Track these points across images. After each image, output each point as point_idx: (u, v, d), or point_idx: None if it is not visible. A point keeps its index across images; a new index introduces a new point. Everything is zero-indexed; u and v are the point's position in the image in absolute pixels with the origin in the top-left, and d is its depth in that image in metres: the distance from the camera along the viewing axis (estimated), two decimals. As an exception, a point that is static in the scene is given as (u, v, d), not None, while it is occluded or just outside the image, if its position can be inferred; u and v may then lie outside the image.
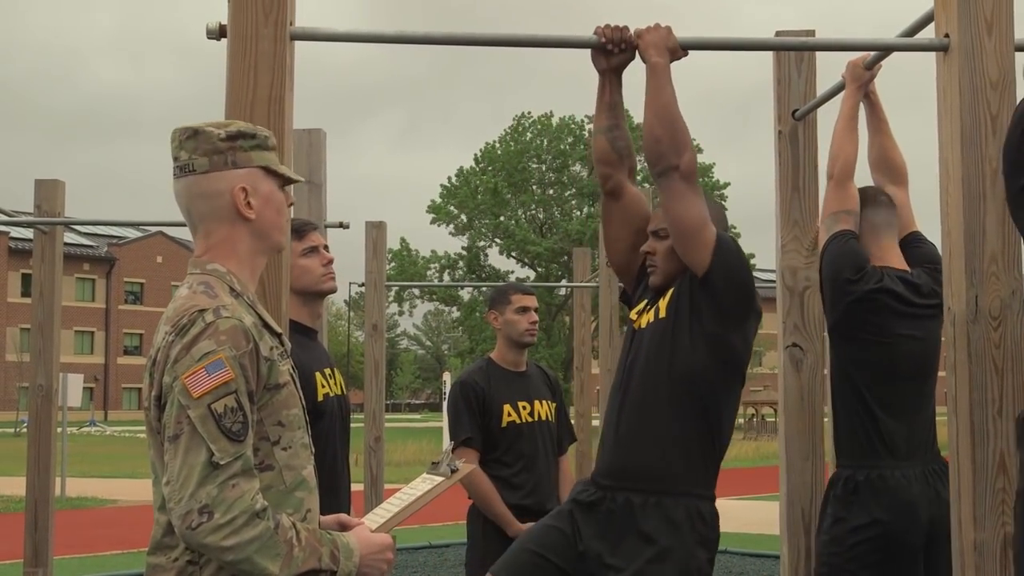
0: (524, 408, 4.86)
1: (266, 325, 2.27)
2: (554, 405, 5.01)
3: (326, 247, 3.91)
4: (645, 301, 3.48)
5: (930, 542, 3.61)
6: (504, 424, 4.80)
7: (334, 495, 3.69)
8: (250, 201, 2.28)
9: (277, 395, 2.21)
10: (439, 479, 2.58)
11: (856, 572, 3.62)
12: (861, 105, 3.97)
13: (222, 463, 2.05)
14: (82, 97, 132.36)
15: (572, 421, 5.98)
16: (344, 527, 2.38)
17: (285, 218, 2.38)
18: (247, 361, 2.13)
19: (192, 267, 2.30)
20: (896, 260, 3.83)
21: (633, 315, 3.49)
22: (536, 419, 4.88)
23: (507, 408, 4.81)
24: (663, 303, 3.35)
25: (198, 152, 2.26)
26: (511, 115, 48.21)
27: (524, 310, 4.90)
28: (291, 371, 2.30)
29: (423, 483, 2.59)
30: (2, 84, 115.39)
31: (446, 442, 3.28)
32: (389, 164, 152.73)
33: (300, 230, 3.87)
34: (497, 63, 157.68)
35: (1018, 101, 2.84)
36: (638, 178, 3.62)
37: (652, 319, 3.36)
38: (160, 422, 2.14)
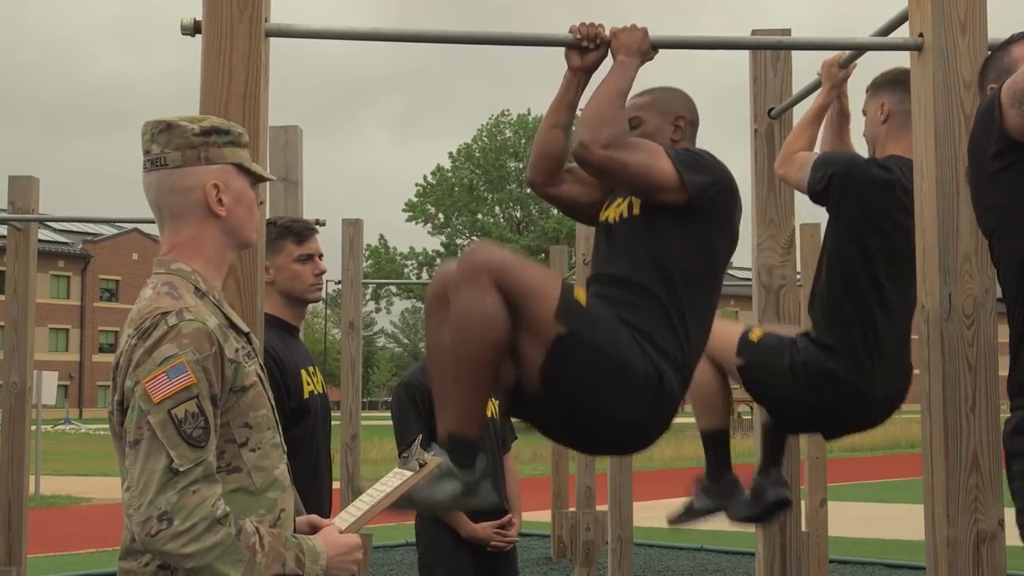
0: None
1: (232, 325, 2.24)
2: (497, 403, 5.00)
3: (320, 255, 3.91)
4: (612, 199, 3.33)
5: None
6: None
7: (316, 492, 3.70)
8: (221, 198, 2.25)
9: (243, 397, 2.18)
10: (408, 473, 2.58)
11: None
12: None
13: (182, 469, 2.03)
14: (77, 89, 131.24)
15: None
16: (315, 528, 2.36)
17: (256, 216, 2.35)
18: (210, 365, 2.10)
19: (157, 267, 2.27)
20: (910, 151, 3.73)
21: (602, 214, 3.34)
22: None
23: None
24: (637, 200, 3.21)
25: (171, 146, 2.24)
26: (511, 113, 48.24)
27: None
28: (258, 371, 2.26)
29: (394, 478, 2.59)
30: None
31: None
32: (378, 160, 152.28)
33: (301, 234, 3.87)
34: (499, 59, 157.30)
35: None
36: None
37: (626, 215, 3.22)
38: (123, 427, 2.11)
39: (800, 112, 4.12)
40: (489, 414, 4.89)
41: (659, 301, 3.11)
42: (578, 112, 3.33)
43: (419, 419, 4.71)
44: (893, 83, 3.75)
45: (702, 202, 3.13)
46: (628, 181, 3.16)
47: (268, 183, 2.53)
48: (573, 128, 3.41)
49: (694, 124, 3.43)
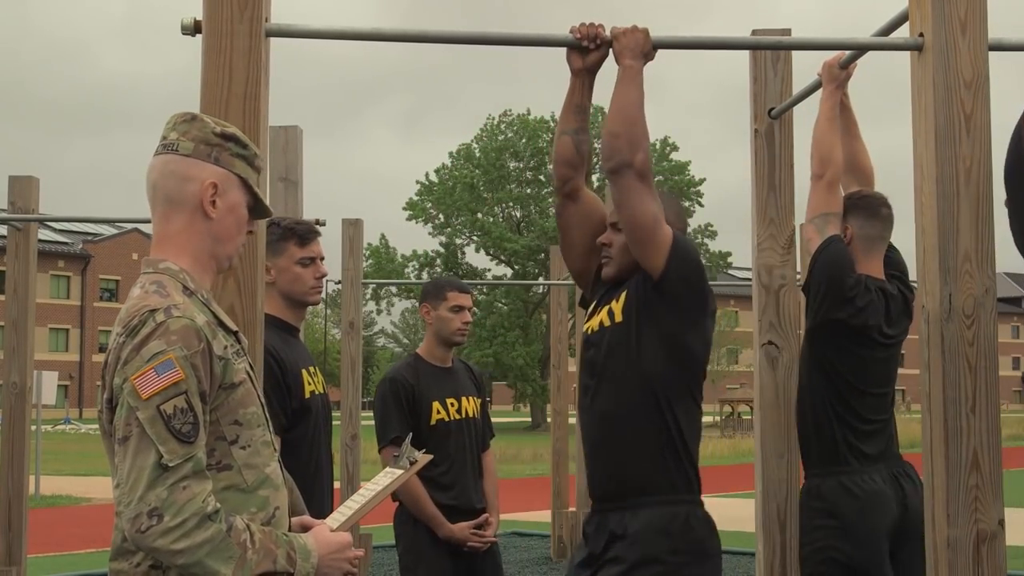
0: (452, 405, 4.82)
1: (221, 323, 2.24)
2: (479, 401, 4.99)
3: (322, 258, 3.92)
4: (595, 303, 3.45)
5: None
6: (433, 422, 4.75)
7: (318, 492, 3.70)
8: (215, 200, 2.26)
9: (233, 394, 2.18)
10: (399, 472, 2.60)
11: None
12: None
13: (171, 465, 2.02)
14: (81, 89, 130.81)
15: (549, 419, 5.98)
16: (306, 528, 2.37)
17: (242, 236, 2.35)
18: (199, 361, 2.10)
19: (145, 267, 2.27)
20: (877, 272, 3.87)
21: (586, 321, 3.46)
22: (463, 416, 4.85)
23: (436, 405, 4.77)
24: (617, 306, 3.30)
25: (188, 136, 2.26)
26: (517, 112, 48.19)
27: (459, 309, 4.86)
28: (248, 370, 2.26)
29: (384, 477, 2.60)
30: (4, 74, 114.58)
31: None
32: (383, 159, 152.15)
33: (304, 236, 3.86)
34: (505, 58, 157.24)
35: (991, 100, 2.86)
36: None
37: (608, 323, 3.31)
38: (112, 424, 2.11)
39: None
40: (471, 413, 4.90)
41: (652, 429, 3.22)
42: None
43: (401, 415, 4.70)
44: (855, 207, 3.87)
45: (670, 283, 3.20)
46: (634, 217, 3.20)
47: (273, 216, 2.53)
48: (577, 132, 3.41)
49: (682, 232, 3.52)
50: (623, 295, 3.31)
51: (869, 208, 3.87)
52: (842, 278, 3.73)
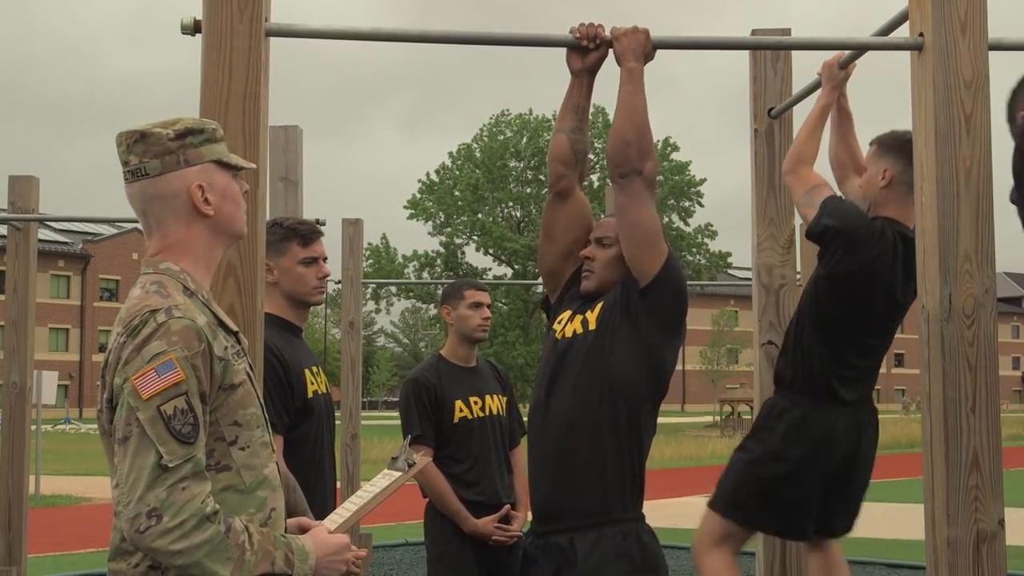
0: (476, 404, 4.88)
1: (221, 324, 2.24)
2: (504, 399, 5.04)
3: (324, 258, 3.92)
4: (569, 312, 3.40)
5: None
6: (456, 420, 4.81)
7: (320, 491, 3.70)
8: (207, 197, 2.25)
9: (232, 395, 2.18)
10: (397, 474, 2.59)
11: None
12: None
13: (171, 465, 2.02)
14: (86, 87, 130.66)
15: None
16: (304, 530, 2.37)
17: (243, 208, 2.34)
18: (199, 362, 2.10)
19: (145, 267, 2.27)
20: (908, 218, 3.81)
21: (556, 326, 3.42)
22: (487, 414, 4.91)
23: (459, 404, 4.83)
24: (592, 315, 3.28)
25: (148, 155, 2.23)
26: (522, 111, 48.11)
27: (477, 306, 4.93)
28: (248, 370, 2.26)
29: (383, 479, 2.59)
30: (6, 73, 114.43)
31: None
32: (388, 159, 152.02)
33: (307, 236, 3.86)
34: (513, 56, 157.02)
35: (991, 100, 2.86)
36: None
37: (581, 331, 3.29)
38: (112, 424, 2.11)
39: (800, 112, 4.12)
40: (495, 411, 4.93)
41: (615, 442, 3.19)
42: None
43: (424, 415, 4.77)
44: (901, 151, 3.77)
45: (657, 292, 3.21)
46: (638, 223, 3.22)
47: (256, 167, 2.52)
48: (573, 131, 3.41)
49: None
50: (599, 306, 3.30)
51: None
52: (855, 229, 3.72)
